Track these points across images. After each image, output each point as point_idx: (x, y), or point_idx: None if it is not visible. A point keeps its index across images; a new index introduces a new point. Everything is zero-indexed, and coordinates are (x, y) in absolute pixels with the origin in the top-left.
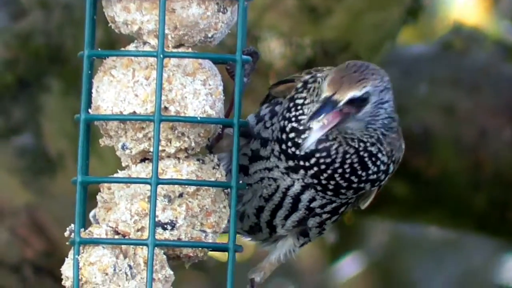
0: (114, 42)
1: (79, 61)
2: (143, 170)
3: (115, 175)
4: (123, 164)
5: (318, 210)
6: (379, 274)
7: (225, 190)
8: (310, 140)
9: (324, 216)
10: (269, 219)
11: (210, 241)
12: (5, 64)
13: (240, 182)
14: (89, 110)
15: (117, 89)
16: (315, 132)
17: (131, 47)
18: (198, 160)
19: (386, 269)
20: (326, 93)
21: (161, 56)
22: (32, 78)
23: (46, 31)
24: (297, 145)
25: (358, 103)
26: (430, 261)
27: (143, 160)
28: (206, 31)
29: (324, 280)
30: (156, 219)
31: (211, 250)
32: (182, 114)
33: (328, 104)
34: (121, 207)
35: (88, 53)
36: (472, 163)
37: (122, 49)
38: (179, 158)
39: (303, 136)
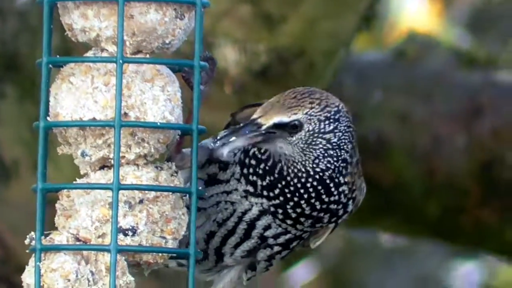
0: (70, 50)
1: (35, 68)
2: (102, 177)
3: (74, 183)
4: (82, 172)
5: (270, 241)
6: (332, 280)
7: (184, 197)
8: (225, 149)
9: (275, 248)
10: (219, 245)
11: (170, 247)
12: None
13: (200, 188)
14: (48, 118)
15: (76, 96)
16: (233, 142)
17: (89, 54)
18: (156, 167)
19: (340, 275)
20: (254, 115)
21: (121, 61)
22: None
23: (1, 39)
24: (257, 174)
25: (289, 129)
26: (382, 266)
27: (102, 167)
28: (163, 37)
29: (278, 286)
30: (118, 225)
31: (172, 257)
32: (142, 120)
33: (248, 126)
34: (81, 214)
35: (46, 60)
36: (425, 170)
37: (80, 56)
38: (138, 165)
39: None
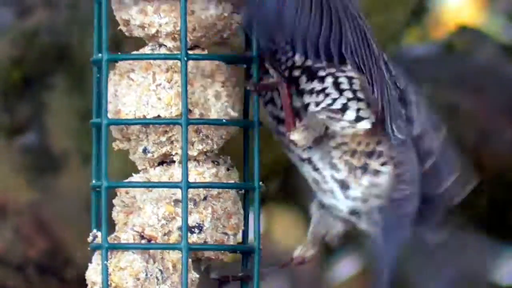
0: (118, 44)
1: (85, 61)
2: (163, 173)
3: (131, 179)
4: (139, 168)
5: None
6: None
7: (240, 192)
8: None
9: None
10: None
11: (232, 243)
12: (11, 62)
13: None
14: (110, 114)
15: (137, 93)
16: None
17: (147, 50)
18: (213, 161)
19: None
20: None
21: (185, 58)
22: (37, 76)
23: (52, 30)
24: None
25: None
26: (427, 263)
27: (161, 163)
28: (221, 32)
29: (321, 281)
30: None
31: (235, 252)
32: (206, 117)
33: None
34: (147, 211)
35: (107, 57)
36: (474, 164)
37: (135, 52)
38: (198, 161)
39: None
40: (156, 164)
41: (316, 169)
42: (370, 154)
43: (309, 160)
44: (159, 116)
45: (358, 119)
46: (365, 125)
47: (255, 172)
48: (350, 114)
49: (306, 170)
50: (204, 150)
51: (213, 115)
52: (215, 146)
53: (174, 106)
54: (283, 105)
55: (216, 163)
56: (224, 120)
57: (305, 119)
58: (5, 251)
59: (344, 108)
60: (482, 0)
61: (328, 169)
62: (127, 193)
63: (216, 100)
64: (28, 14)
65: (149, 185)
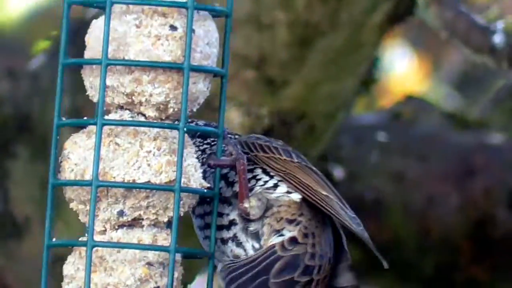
0: (78, 110)
1: (46, 129)
2: (127, 236)
3: (83, 238)
4: (97, 230)
5: None
6: None
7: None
8: None
9: None
10: None
11: None
12: None
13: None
14: (88, 176)
15: (125, 158)
16: None
17: (126, 117)
18: (157, 227)
19: None
20: None
21: (184, 129)
22: (0, 145)
23: (14, 100)
24: None
25: None
26: None
27: (120, 226)
28: (197, 103)
29: None
30: (155, 285)
31: None
32: (186, 185)
33: None
34: (125, 271)
35: (57, 123)
36: (420, 228)
37: (107, 117)
38: (161, 227)
39: None
40: (116, 227)
41: (239, 243)
42: (290, 221)
43: (234, 237)
44: (149, 181)
45: (289, 192)
46: (296, 196)
47: (212, 236)
48: (281, 189)
49: (225, 250)
50: (165, 218)
51: (192, 184)
52: (181, 214)
53: (164, 173)
54: (239, 178)
55: (158, 227)
56: (204, 190)
57: (255, 195)
58: None
59: (275, 186)
60: (426, 69)
61: (250, 240)
62: (97, 250)
63: (194, 170)
64: None
65: (133, 247)
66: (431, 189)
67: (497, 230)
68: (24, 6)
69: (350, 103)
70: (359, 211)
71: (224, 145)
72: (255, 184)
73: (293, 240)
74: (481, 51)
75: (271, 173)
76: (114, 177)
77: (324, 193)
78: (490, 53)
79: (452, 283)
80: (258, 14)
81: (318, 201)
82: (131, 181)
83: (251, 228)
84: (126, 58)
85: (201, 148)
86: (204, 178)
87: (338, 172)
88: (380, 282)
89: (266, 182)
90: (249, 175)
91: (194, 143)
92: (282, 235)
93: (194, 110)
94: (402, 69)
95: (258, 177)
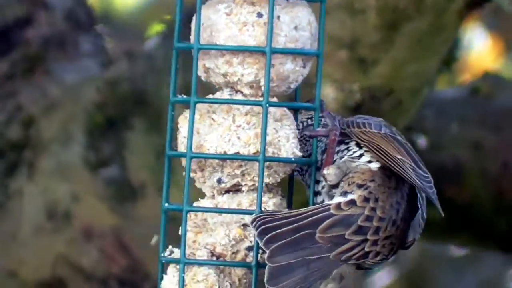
0: (188, 89)
1: (160, 104)
2: (230, 201)
3: (199, 203)
4: (208, 195)
5: None
6: (408, 284)
7: None
8: None
9: None
10: None
11: None
12: (96, 106)
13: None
14: (193, 149)
15: (219, 132)
16: None
17: (225, 95)
18: (269, 191)
19: (415, 280)
20: None
21: (267, 105)
22: (119, 118)
23: (131, 78)
24: None
25: None
26: (452, 273)
27: (226, 191)
28: (290, 83)
29: None
30: (250, 244)
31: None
32: (276, 155)
33: None
34: (220, 232)
35: (172, 100)
36: (496, 191)
37: (210, 96)
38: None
39: None
40: (223, 192)
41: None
42: (360, 186)
43: (322, 201)
44: (238, 152)
45: (370, 162)
46: (375, 165)
47: (310, 202)
48: (365, 158)
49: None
50: (270, 183)
51: (282, 153)
52: (278, 180)
53: (252, 145)
54: (328, 147)
55: (272, 192)
56: (292, 159)
57: (336, 164)
58: (91, 268)
59: (360, 156)
60: (500, 49)
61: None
62: (196, 215)
63: (286, 141)
64: (111, 65)
65: (227, 211)
66: (506, 156)
67: None
68: None
69: (433, 80)
70: (441, 177)
71: (322, 117)
72: (345, 154)
73: (351, 202)
74: None
75: (361, 145)
76: (208, 149)
77: (399, 157)
78: None
79: None
80: (351, 0)
81: (391, 163)
82: (222, 153)
83: (331, 192)
84: (218, 43)
85: (302, 120)
86: (303, 148)
87: (422, 142)
88: (459, 240)
89: (354, 152)
90: (344, 147)
91: (299, 117)
92: (347, 195)
93: (292, 87)
94: (479, 49)
95: (349, 148)
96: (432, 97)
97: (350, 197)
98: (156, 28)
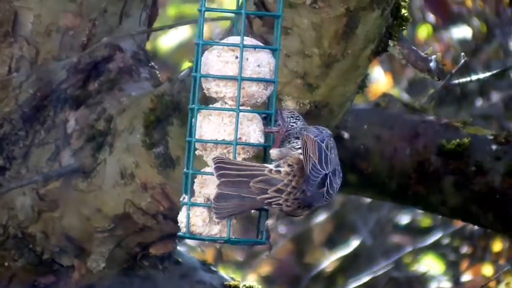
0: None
1: (188, 110)
2: None
3: (206, 169)
4: (210, 165)
5: None
6: (335, 221)
7: None
8: None
9: None
10: None
11: None
12: (150, 110)
13: None
14: (196, 137)
15: (213, 127)
16: None
17: (218, 105)
18: None
19: (339, 219)
20: None
21: (238, 111)
22: (164, 117)
23: (171, 94)
24: None
25: None
26: (360, 216)
27: None
28: (256, 99)
29: None
30: None
31: None
32: (247, 141)
33: None
34: (210, 187)
35: (197, 107)
36: (389, 166)
37: (212, 105)
38: None
39: None
40: None
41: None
42: (289, 165)
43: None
44: (224, 139)
45: (300, 153)
46: (301, 156)
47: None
48: (299, 150)
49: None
50: (246, 157)
51: (252, 140)
52: (250, 156)
53: (232, 135)
54: (276, 137)
55: None
56: (256, 143)
57: (279, 148)
58: (146, 208)
59: (298, 148)
60: (391, 79)
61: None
62: (202, 177)
63: (253, 133)
64: (159, 85)
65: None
66: (395, 144)
67: None
68: (174, 40)
69: (353, 98)
70: (357, 156)
71: (277, 120)
72: (291, 145)
73: (278, 172)
74: (423, 71)
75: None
76: (206, 137)
77: (311, 155)
78: (428, 72)
79: None
80: (303, 49)
81: (305, 157)
82: (215, 139)
83: (273, 162)
84: (211, 73)
85: (286, 115)
86: (265, 137)
87: (345, 135)
88: (365, 195)
89: (297, 145)
90: (294, 140)
91: (288, 120)
92: (278, 167)
93: (259, 101)
94: (379, 80)
95: (295, 142)
96: (352, 108)
97: (279, 169)
98: (187, 64)
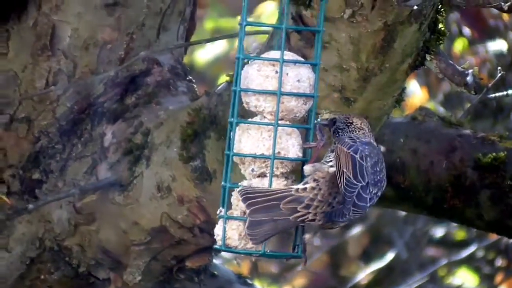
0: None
1: (225, 123)
2: (259, 182)
3: (242, 183)
4: (247, 178)
5: None
6: (370, 234)
7: None
8: None
9: None
10: None
11: None
12: (187, 124)
13: None
14: (235, 150)
15: (252, 141)
16: None
17: (257, 119)
18: (285, 177)
19: (374, 232)
20: None
21: (276, 125)
22: (201, 131)
23: (209, 107)
24: None
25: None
26: (396, 228)
27: (258, 176)
28: (295, 113)
29: None
30: None
31: None
32: (286, 156)
33: None
34: None
35: (236, 121)
36: (425, 180)
37: (251, 119)
38: (278, 177)
39: None
40: (255, 177)
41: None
42: (315, 180)
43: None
44: (263, 153)
45: (332, 166)
46: (332, 169)
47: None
48: (330, 164)
49: None
50: (283, 171)
51: (290, 155)
52: (288, 170)
53: (271, 149)
54: (313, 152)
55: (287, 178)
56: (296, 157)
57: (313, 163)
58: (183, 221)
59: (330, 161)
60: (427, 93)
61: None
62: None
63: (292, 147)
64: (196, 99)
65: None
66: (432, 158)
67: None
68: (210, 54)
69: (390, 111)
70: (393, 169)
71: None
72: (325, 159)
73: (304, 189)
74: (460, 85)
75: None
76: (245, 151)
77: (344, 170)
78: (464, 86)
79: None
80: (341, 63)
81: (337, 171)
82: (253, 153)
83: (305, 179)
84: (251, 87)
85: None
86: (304, 152)
87: (382, 148)
88: (401, 208)
89: (329, 158)
90: (328, 153)
91: (332, 132)
92: (305, 185)
93: (298, 115)
94: (416, 94)
95: (329, 155)
96: (388, 121)
97: (305, 186)
98: (224, 78)
